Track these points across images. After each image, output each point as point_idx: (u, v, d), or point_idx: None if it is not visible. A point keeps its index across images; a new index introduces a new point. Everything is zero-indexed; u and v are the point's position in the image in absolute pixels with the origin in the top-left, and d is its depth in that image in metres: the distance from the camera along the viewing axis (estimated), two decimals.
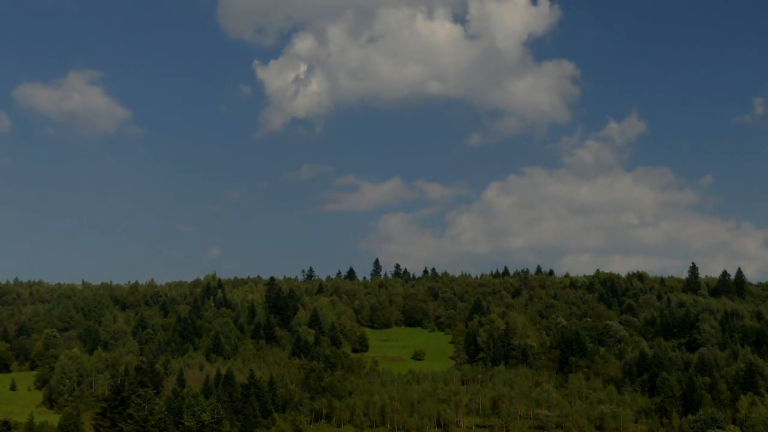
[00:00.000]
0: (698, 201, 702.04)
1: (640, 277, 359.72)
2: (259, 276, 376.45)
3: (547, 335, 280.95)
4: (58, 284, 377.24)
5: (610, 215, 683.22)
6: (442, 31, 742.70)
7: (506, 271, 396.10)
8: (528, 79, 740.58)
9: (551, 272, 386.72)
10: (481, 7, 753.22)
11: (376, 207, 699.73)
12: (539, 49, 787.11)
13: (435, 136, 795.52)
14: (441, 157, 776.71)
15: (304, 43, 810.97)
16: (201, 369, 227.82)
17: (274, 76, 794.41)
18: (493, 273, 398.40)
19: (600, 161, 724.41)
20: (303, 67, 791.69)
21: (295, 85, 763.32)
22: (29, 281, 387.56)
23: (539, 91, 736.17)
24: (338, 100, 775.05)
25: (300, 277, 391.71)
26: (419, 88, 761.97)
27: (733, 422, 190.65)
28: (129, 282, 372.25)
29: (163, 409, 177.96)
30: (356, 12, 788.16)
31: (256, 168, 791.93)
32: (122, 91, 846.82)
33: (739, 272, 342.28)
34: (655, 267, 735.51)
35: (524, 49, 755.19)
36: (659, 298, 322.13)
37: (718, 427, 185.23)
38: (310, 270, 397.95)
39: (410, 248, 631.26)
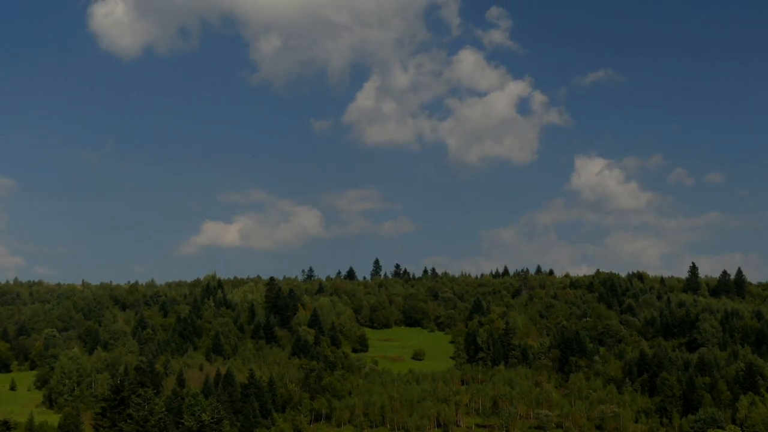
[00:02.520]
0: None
1: (640, 277, 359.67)
2: (258, 276, 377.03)
3: (547, 335, 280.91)
4: (58, 284, 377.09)
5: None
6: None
7: (506, 271, 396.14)
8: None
9: (551, 272, 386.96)
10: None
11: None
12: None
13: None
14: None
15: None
16: (201, 369, 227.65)
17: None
18: (493, 273, 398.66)
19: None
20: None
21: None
22: (29, 281, 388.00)
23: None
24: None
25: (300, 277, 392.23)
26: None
27: (733, 422, 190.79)
28: (129, 282, 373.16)
29: (163, 409, 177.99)
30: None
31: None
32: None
33: (739, 272, 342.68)
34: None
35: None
36: (659, 298, 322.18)
37: (718, 427, 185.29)
38: (310, 270, 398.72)
39: None
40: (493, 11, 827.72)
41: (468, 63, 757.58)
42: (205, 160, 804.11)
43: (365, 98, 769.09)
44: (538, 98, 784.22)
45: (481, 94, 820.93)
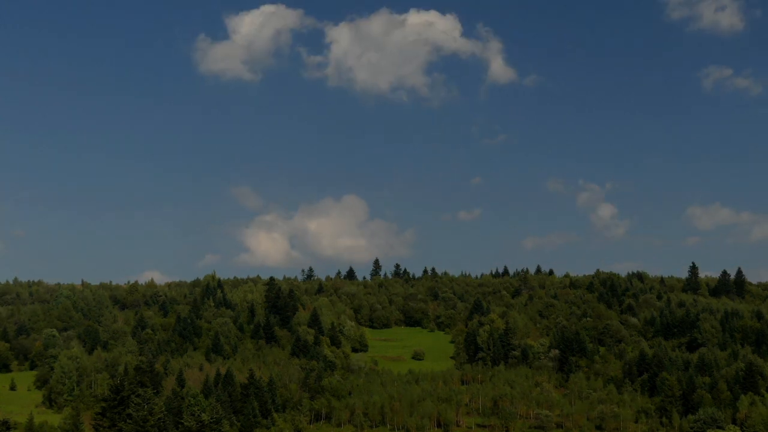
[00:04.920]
0: None
1: (640, 276, 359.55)
2: (258, 276, 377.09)
3: (547, 335, 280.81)
4: (58, 284, 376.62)
5: None
6: None
7: (506, 271, 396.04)
8: None
9: (551, 272, 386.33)
10: None
11: None
12: None
13: None
14: None
15: None
16: (200, 369, 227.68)
17: None
18: (493, 273, 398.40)
19: None
20: None
21: None
22: (29, 281, 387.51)
23: None
24: None
25: (299, 277, 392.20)
26: None
27: (733, 422, 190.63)
28: (128, 282, 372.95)
29: (163, 409, 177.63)
30: None
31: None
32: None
33: (739, 272, 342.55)
34: None
35: None
36: (659, 297, 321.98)
37: (718, 427, 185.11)
38: (310, 270, 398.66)
39: None
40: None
41: None
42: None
43: None
44: None
45: None
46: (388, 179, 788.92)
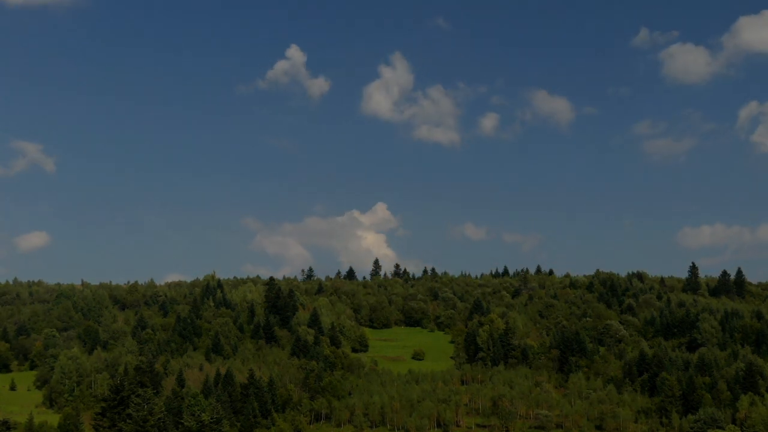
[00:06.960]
0: None
1: (640, 276, 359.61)
2: (258, 276, 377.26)
3: (547, 335, 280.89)
4: (58, 284, 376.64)
5: None
6: None
7: (506, 271, 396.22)
8: None
9: (551, 272, 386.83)
10: None
11: None
12: None
13: None
14: None
15: None
16: (200, 369, 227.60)
17: None
18: (493, 273, 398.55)
19: None
20: None
21: None
22: (29, 281, 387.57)
23: None
24: None
25: (299, 277, 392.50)
26: None
27: (733, 422, 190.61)
28: (128, 282, 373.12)
29: (163, 409, 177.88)
30: None
31: None
32: None
33: (739, 272, 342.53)
34: None
35: None
36: (659, 297, 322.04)
37: (718, 427, 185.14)
38: (310, 270, 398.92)
39: None
40: None
41: None
42: None
43: None
44: None
45: None
46: (405, 192, 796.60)
